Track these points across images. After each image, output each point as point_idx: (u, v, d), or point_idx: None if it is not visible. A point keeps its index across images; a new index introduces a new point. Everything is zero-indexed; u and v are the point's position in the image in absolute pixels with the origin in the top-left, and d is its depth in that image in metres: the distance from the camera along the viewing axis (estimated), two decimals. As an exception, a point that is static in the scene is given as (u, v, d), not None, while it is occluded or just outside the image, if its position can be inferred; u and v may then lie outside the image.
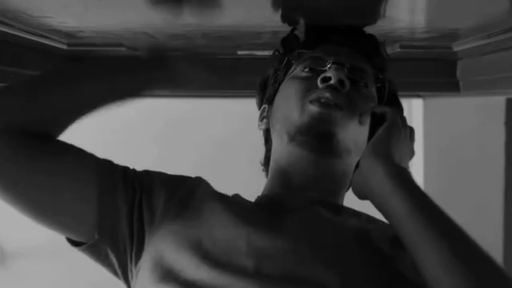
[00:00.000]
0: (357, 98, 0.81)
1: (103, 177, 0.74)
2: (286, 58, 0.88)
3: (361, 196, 0.74)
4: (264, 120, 0.90)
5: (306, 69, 0.84)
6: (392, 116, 0.77)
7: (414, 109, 1.97)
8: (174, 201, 0.76)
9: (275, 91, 0.88)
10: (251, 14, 0.84)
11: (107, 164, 0.77)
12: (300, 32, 0.88)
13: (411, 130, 0.82)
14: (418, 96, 1.70)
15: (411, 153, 0.80)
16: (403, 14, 0.86)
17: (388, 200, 0.65)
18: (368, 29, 0.97)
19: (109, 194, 0.74)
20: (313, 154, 0.78)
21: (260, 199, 0.84)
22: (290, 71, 0.87)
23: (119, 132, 2.14)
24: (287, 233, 0.69)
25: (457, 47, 1.13)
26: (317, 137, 0.78)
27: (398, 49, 1.12)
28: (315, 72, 0.82)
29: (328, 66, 0.81)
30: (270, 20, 0.88)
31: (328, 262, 0.65)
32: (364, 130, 0.82)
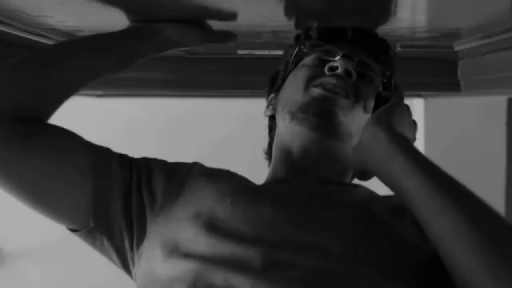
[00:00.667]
0: (363, 89, 0.83)
1: (98, 162, 0.74)
2: (297, 48, 0.89)
3: (360, 170, 0.75)
4: (270, 107, 0.92)
5: (316, 60, 0.86)
6: (396, 97, 0.79)
7: (415, 109, 1.96)
8: (173, 182, 0.77)
9: (284, 80, 0.90)
10: (251, 13, 0.84)
11: (103, 150, 0.77)
12: (314, 33, 0.90)
13: (414, 122, 0.83)
14: (419, 96, 1.70)
15: (413, 138, 0.81)
16: (404, 13, 0.86)
17: (393, 165, 0.66)
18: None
19: (104, 179, 0.74)
20: (313, 133, 0.80)
21: (264, 184, 0.85)
22: (301, 62, 0.89)
23: (120, 132, 2.14)
24: (287, 201, 0.71)
25: (458, 47, 1.13)
26: (317, 116, 0.79)
27: (399, 49, 1.12)
28: (324, 62, 0.84)
29: (337, 58, 0.83)
30: (271, 19, 0.88)
31: (328, 228, 0.66)
32: (364, 119, 0.81)
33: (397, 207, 0.69)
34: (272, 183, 0.82)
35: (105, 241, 0.75)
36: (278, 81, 0.92)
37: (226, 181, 0.77)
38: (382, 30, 0.95)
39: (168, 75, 1.31)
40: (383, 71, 0.88)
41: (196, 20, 0.82)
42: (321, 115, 0.79)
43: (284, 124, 0.84)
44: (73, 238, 0.76)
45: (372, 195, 0.78)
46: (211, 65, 1.31)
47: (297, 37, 0.92)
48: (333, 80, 0.80)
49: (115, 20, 0.82)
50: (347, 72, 0.81)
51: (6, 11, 0.81)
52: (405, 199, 0.65)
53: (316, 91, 0.80)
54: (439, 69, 1.32)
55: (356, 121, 0.81)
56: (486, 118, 1.94)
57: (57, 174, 0.72)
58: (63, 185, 0.73)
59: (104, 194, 0.73)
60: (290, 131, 0.82)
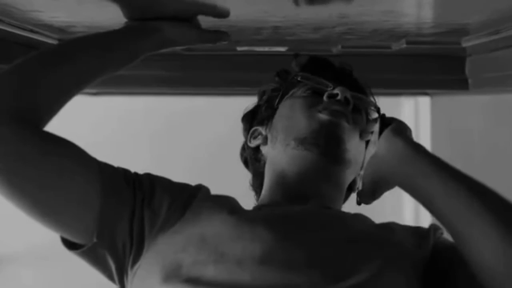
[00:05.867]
0: (359, 116, 0.88)
1: (106, 179, 0.75)
2: (288, 79, 0.93)
3: (374, 181, 0.81)
4: (259, 136, 0.93)
5: (308, 91, 0.89)
6: (397, 119, 0.84)
7: (421, 108, 1.96)
8: (177, 204, 0.78)
9: (273, 112, 0.92)
10: (251, 8, 0.84)
11: (109, 167, 0.78)
12: (295, 65, 0.95)
13: None
14: (425, 94, 1.70)
15: None
16: (409, 8, 0.86)
17: (414, 167, 0.74)
18: (373, 25, 0.96)
19: (111, 196, 0.75)
20: (321, 157, 0.83)
21: (258, 206, 0.87)
22: (289, 94, 0.92)
23: (116, 131, 2.14)
24: (294, 223, 0.75)
25: (466, 43, 1.12)
26: (328, 141, 0.83)
27: (404, 45, 1.12)
28: (318, 93, 0.88)
29: (332, 87, 0.88)
30: (271, 15, 0.87)
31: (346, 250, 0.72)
32: (362, 147, 0.88)
33: (399, 229, 0.79)
34: (273, 206, 0.84)
35: (107, 256, 0.75)
36: (263, 114, 0.94)
37: (231, 206, 0.80)
38: (387, 25, 0.95)
39: (165, 72, 1.31)
40: (371, 102, 0.93)
41: (191, 17, 0.82)
42: (331, 141, 0.83)
43: (285, 151, 0.86)
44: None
45: (372, 222, 0.82)
46: (210, 62, 1.31)
47: (279, 72, 0.97)
48: (336, 105, 0.85)
49: (109, 15, 0.82)
50: (345, 99, 0.86)
51: (-4, 6, 0.80)
52: (425, 200, 0.72)
53: (323, 117, 0.84)
54: (446, 66, 1.31)
55: (355, 148, 0.86)
56: (494, 117, 1.94)
57: (66, 190, 0.73)
58: (70, 201, 0.73)
59: (111, 212, 0.74)
60: (292, 157, 0.85)
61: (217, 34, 0.85)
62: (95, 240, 0.74)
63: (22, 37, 0.99)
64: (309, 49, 1.27)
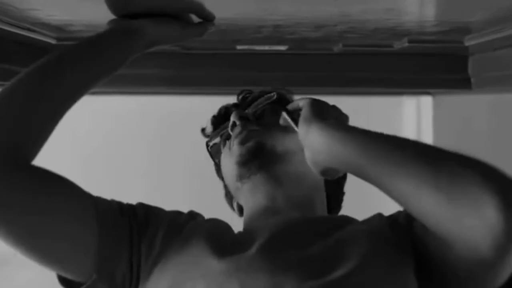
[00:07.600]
0: (266, 118, 0.94)
1: (102, 216, 0.75)
2: (209, 149, 1.03)
3: (322, 171, 0.79)
4: (235, 204, 0.99)
5: (223, 142, 0.97)
6: (305, 99, 0.83)
7: (423, 107, 1.96)
8: (170, 234, 0.79)
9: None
10: (251, 6, 0.84)
11: (103, 202, 0.78)
12: (205, 136, 1.03)
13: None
14: (427, 93, 1.70)
15: (346, 117, 0.85)
16: (411, 6, 0.86)
17: (334, 148, 0.73)
18: (374, 23, 0.97)
19: (109, 234, 0.75)
20: (261, 170, 0.87)
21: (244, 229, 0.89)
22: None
23: (113, 131, 2.14)
24: (281, 237, 0.75)
25: (469, 42, 1.13)
26: (252, 155, 0.87)
27: (406, 44, 1.12)
28: (229, 136, 0.95)
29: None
30: (271, 13, 0.88)
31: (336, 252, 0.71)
32: (292, 136, 0.86)
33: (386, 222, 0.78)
34: (255, 223, 0.86)
35: None
36: (226, 189, 1.02)
37: (221, 231, 0.81)
38: (388, 24, 0.95)
39: (162, 71, 1.31)
40: (268, 97, 0.96)
41: (179, 14, 0.81)
42: (254, 153, 0.88)
43: (243, 194, 0.91)
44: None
45: (354, 219, 0.82)
46: (209, 61, 1.31)
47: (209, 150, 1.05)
48: (237, 130, 0.91)
49: (107, 13, 0.81)
50: (241, 118, 0.92)
51: (-7, 4, 0.81)
52: (366, 176, 0.70)
53: (235, 148, 0.90)
54: (449, 65, 1.32)
55: (281, 140, 0.88)
56: (497, 116, 1.94)
57: (61, 235, 0.72)
58: (67, 244, 0.73)
59: (110, 250, 0.74)
60: (249, 192, 0.89)
61: (201, 26, 0.84)
62: (94, 276, 0.74)
63: (19, 36, 0.99)
64: (310, 48, 1.28)
